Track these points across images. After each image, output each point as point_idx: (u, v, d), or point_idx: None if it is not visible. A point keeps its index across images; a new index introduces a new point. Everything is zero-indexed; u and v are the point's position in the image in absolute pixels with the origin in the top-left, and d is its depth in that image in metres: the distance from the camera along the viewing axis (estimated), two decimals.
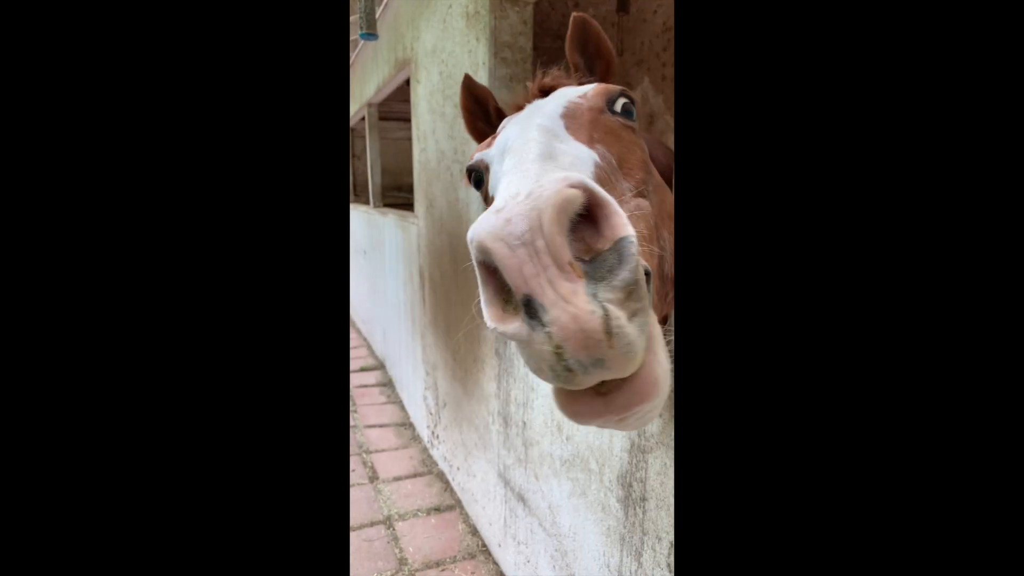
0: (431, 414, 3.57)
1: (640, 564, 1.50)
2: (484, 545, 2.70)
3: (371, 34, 2.81)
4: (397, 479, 3.31)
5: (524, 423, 2.14)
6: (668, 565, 1.38)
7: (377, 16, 3.31)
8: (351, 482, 3.21)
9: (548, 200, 0.52)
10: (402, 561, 2.59)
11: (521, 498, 2.22)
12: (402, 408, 4.30)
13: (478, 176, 1.02)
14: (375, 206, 5.34)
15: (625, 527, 1.55)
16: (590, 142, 0.85)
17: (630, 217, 0.58)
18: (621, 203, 0.74)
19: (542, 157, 0.69)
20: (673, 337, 0.62)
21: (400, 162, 7.62)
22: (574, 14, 1.16)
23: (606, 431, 1.61)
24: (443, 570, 2.54)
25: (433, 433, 3.56)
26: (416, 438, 3.87)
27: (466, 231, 2.30)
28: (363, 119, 5.55)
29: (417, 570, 2.54)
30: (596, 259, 0.54)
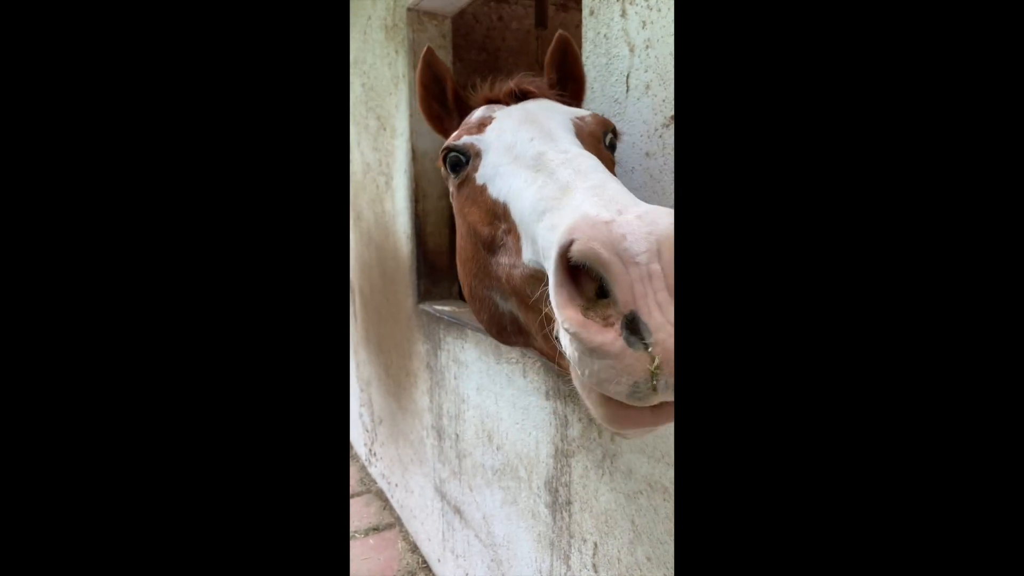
0: (368, 431, 3.49)
1: (569, 567, 1.52)
2: (424, 562, 2.65)
3: None
4: None
5: (457, 435, 2.14)
6: (593, 566, 1.42)
7: None
8: None
9: (667, 230, 0.53)
10: None
11: (457, 511, 2.21)
12: None
13: (460, 158, 0.95)
14: None
15: (554, 532, 1.58)
16: (577, 144, 0.87)
17: None
18: None
19: (613, 178, 0.69)
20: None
21: None
22: (559, 32, 1.18)
23: (531, 439, 1.63)
24: None
25: (370, 451, 3.47)
26: (354, 456, 3.77)
27: (393, 244, 2.27)
28: None
29: None
30: None
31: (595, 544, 1.41)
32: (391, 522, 2.99)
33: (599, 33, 1.23)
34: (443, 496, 2.34)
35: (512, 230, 0.78)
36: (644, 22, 1.12)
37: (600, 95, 1.25)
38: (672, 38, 1.05)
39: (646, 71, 1.13)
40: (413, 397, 2.57)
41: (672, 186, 1.07)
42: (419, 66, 1.18)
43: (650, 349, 0.51)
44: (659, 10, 1.08)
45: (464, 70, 3.75)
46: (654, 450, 1.18)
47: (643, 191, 1.13)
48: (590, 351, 0.54)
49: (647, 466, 1.20)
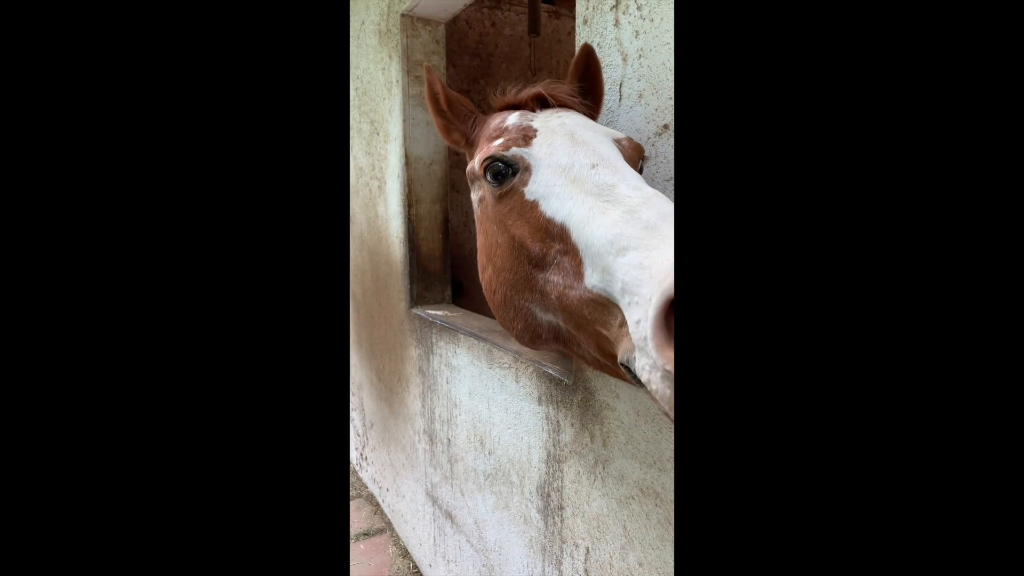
0: (359, 435, 3.47)
1: (561, 572, 1.53)
2: (416, 567, 2.64)
3: None
4: None
5: (449, 440, 2.13)
6: (585, 571, 1.42)
7: None
8: None
9: None
10: None
11: (449, 515, 2.20)
12: None
13: (505, 170, 0.94)
14: None
15: (546, 537, 1.58)
16: (643, 180, 0.88)
17: None
18: None
19: None
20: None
21: None
22: (585, 42, 1.17)
23: (524, 443, 1.63)
24: None
25: (362, 455, 3.46)
26: None
27: (386, 248, 2.26)
28: None
29: None
30: None
31: (587, 549, 1.41)
32: (382, 527, 2.98)
33: (592, 42, 1.25)
34: (435, 501, 2.33)
35: (571, 253, 0.80)
36: (637, 32, 1.13)
37: None
38: (665, 47, 1.07)
39: (639, 80, 1.14)
40: (405, 401, 2.56)
41: (665, 192, 1.08)
42: (426, 93, 1.19)
43: None
44: (652, 20, 1.09)
45: (457, 76, 3.77)
46: (646, 456, 1.19)
47: None
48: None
49: (639, 471, 1.21)
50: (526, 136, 0.96)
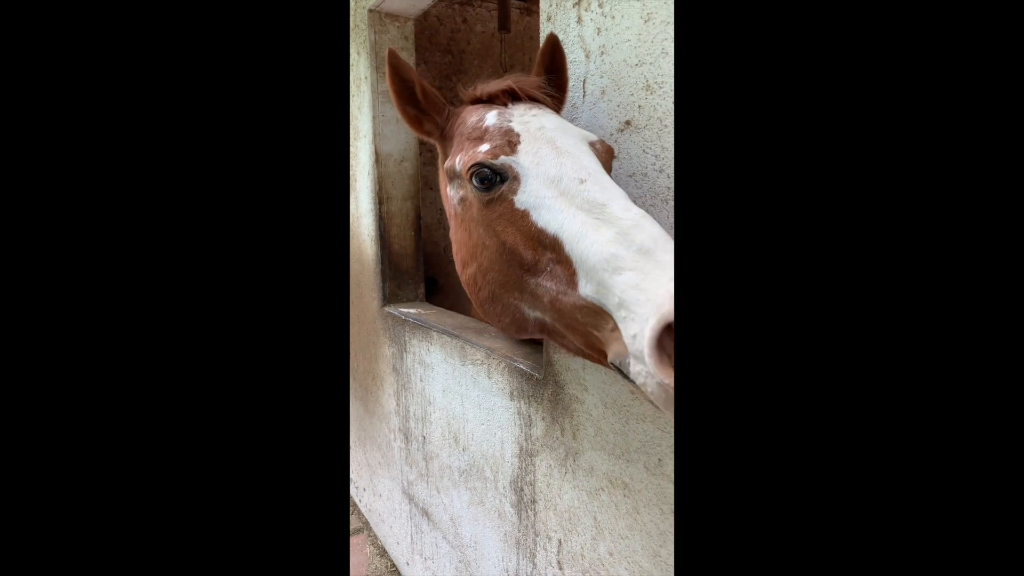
0: None
1: (535, 565, 1.54)
2: (393, 566, 2.64)
3: None
4: None
5: (424, 437, 2.13)
6: (558, 563, 1.44)
7: None
8: None
9: None
10: None
11: (425, 513, 2.20)
12: None
13: (492, 176, 0.97)
14: None
15: (520, 531, 1.60)
16: (629, 199, 0.94)
17: None
18: None
19: (672, 239, 0.81)
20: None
21: None
22: (551, 32, 1.18)
23: (497, 439, 1.64)
24: None
25: None
26: None
27: (358, 246, 2.24)
28: None
29: None
30: None
31: (559, 541, 1.43)
32: (359, 527, 2.96)
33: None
34: (411, 499, 2.33)
35: (564, 263, 0.87)
36: (599, 29, 1.14)
37: None
38: (626, 44, 1.08)
39: (602, 77, 1.15)
40: (380, 400, 2.55)
41: (624, 185, 1.10)
42: (387, 72, 1.18)
43: None
44: (613, 17, 1.11)
45: (429, 72, 3.74)
46: (614, 447, 1.21)
47: None
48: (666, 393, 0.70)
49: (607, 463, 1.23)
50: (511, 142, 0.99)
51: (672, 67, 0.99)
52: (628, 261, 0.78)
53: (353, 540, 2.85)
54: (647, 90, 1.05)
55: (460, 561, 1.96)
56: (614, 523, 1.23)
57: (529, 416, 1.49)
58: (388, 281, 2.41)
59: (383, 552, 2.73)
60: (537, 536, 1.52)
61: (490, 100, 1.11)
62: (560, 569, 1.44)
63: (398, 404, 2.34)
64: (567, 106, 1.24)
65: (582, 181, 0.90)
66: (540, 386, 1.43)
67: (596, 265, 0.81)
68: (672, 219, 1.03)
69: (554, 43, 1.16)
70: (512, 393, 1.56)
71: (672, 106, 1.00)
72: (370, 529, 2.92)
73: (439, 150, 1.21)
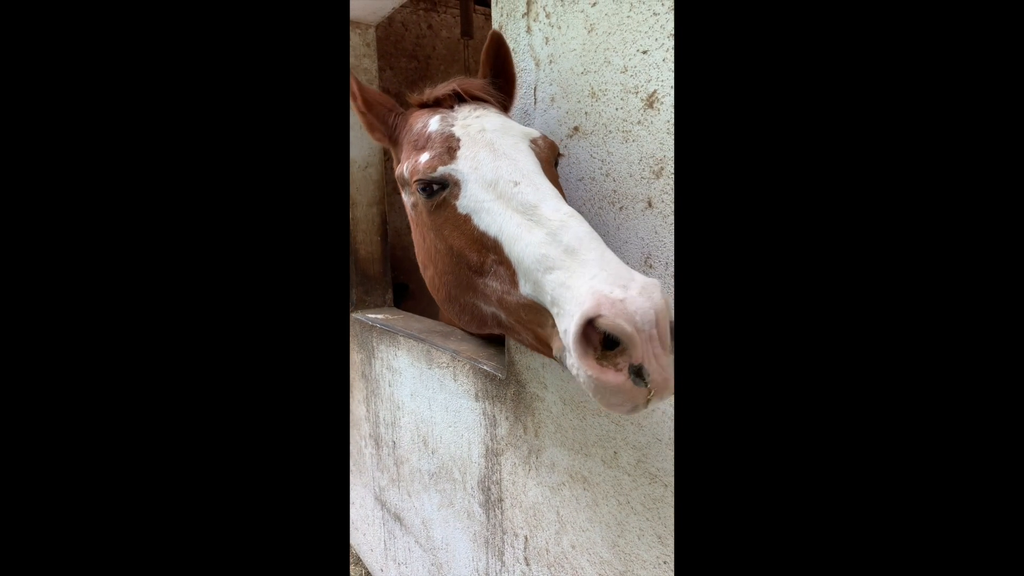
0: None
1: (503, 563, 1.57)
2: (368, 573, 2.63)
3: None
4: None
5: (394, 442, 2.14)
6: (525, 559, 1.47)
7: None
8: None
9: (662, 304, 0.72)
10: None
11: (397, 518, 2.21)
12: None
13: (435, 187, 1.01)
14: None
15: (488, 530, 1.62)
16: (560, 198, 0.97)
17: None
18: None
19: (601, 242, 0.84)
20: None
21: None
22: (492, 30, 1.20)
23: (464, 440, 1.67)
24: None
25: None
26: None
27: None
28: None
29: None
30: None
31: (525, 538, 1.46)
32: None
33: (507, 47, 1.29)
34: (383, 505, 2.33)
35: (505, 264, 0.91)
36: (547, 38, 1.18)
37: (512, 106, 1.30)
38: (572, 54, 1.12)
39: (551, 84, 1.19)
40: (350, 407, 2.54)
41: (574, 189, 1.14)
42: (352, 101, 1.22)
43: (648, 385, 0.74)
44: (559, 28, 1.15)
45: (395, 78, 3.75)
46: (573, 442, 1.24)
47: None
48: (605, 389, 0.75)
49: (567, 458, 1.26)
50: (450, 149, 1.02)
51: (614, 75, 1.04)
52: (557, 261, 0.82)
53: None
54: (593, 97, 1.09)
55: (432, 564, 1.97)
56: (575, 516, 1.27)
57: (494, 416, 1.52)
58: (355, 287, 2.41)
59: (357, 560, 2.72)
60: (504, 534, 1.54)
61: (437, 103, 1.14)
62: (527, 565, 1.47)
63: (368, 410, 2.34)
64: (519, 112, 1.28)
65: (516, 183, 0.93)
66: (503, 386, 1.46)
67: (531, 266, 0.85)
68: (617, 220, 1.07)
69: (497, 41, 1.19)
70: (477, 394, 1.58)
71: (615, 112, 1.05)
72: None
73: (392, 155, 1.24)
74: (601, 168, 1.09)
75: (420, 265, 1.17)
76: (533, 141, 1.03)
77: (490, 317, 1.04)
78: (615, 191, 1.06)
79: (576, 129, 1.14)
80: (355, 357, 2.38)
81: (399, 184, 1.14)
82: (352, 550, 2.79)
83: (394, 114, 1.21)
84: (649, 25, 0.96)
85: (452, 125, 1.06)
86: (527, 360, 1.36)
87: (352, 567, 2.68)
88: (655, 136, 0.98)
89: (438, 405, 1.79)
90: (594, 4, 1.05)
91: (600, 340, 0.75)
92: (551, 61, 1.18)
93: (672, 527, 1.03)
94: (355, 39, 2.30)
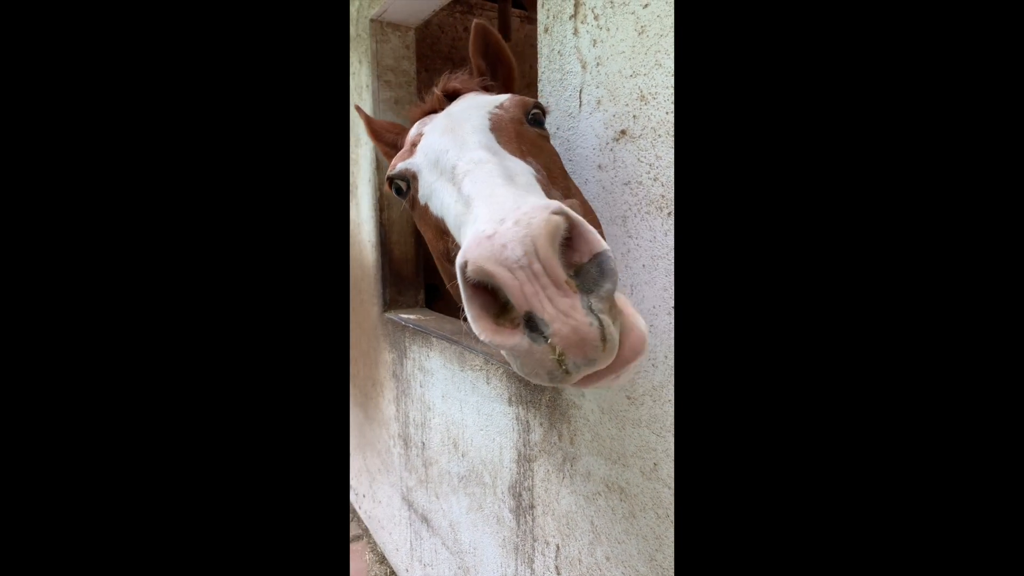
0: None
1: (533, 570, 1.55)
2: (393, 572, 2.64)
3: None
4: None
5: (423, 443, 2.14)
6: (556, 568, 1.45)
7: None
8: None
9: (540, 228, 0.57)
10: None
11: (425, 519, 2.21)
12: None
13: (402, 184, 1.02)
14: None
15: (518, 536, 1.60)
16: (521, 155, 0.90)
17: None
18: None
19: (506, 180, 0.74)
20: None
21: None
22: (475, 21, 1.20)
23: (495, 444, 1.65)
24: None
25: None
26: None
27: (358, 252, 2.26)
28: None
29: None
30: (580, 272, 0.60)
31: (557, 546, 1.44)
32: (359, 533, 2.96)
33: (553, 50, 1.28)
34: (410, 505, 2.33)
35: (455, 242, 0.84)
36: (595, 41, 1.17)
37: (555, 109, 1.29)
38: (621, 56, 1.10)
39: (597, 87, 1.17)
40: (379, 406, 2.56)
41: (620, 193, 1.12)
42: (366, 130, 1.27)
43: (549, 341, 0.57)
44: (608, 29, 1.13)
45: (430, 80, 3.78)
46: (610, 452, 1.22)
47: (596, 202, 1.17)
48: (509, 354, 0.61)
49: (604, 468, 1.24)
50: (413, 145, 1.02)
51: (665, 78, 1.01)
52: (463, 217, 0.76)
53: (352, 547, 2.85)
54: (642, 100, 1.07)
55: (459, 567, 1.96)
56: (611, 528, 1.24)
57: (527, 421, 1.50)
58: (388, 287, 2.43)
59: (382, 559, 2.73)
60: (535, 541, 1.52)
61: (434, 111, 1.15)
62: (558, 574, 1.45)
63: (398, 410, 2.35)
64: (563, 115, 1.26)
65: (447, 151, 0.88)
66: (538, 391, 1.44)
67: (456, 235, 0.79)
68: (665, 226, 1.04)
69: (482, 31, 1.18)
70: (510, 399, 1.57)
71: (665, 116, 1.02)
72: (369, 536, 2.91)
73: None
74: (649, 172, 1.06)
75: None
76: (499, 106, 1.00)
77: None
78: (663, 196, 1.04)
79: (623, 132, 1.12)
80: (387, 356, 2.40)
81: None
82: (377, 549, 2.80)
83: (402, 136, 1.23)
84: None
85: (425, 125, 1.06)
86: None
87: (377, 566, 2.69)
88: None
89: (470, 408, 1.78)
90: (645, 6, 1.03)
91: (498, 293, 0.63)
92: (598, 63, 1.16)
93: None
94: (395, 41, 2.32)
